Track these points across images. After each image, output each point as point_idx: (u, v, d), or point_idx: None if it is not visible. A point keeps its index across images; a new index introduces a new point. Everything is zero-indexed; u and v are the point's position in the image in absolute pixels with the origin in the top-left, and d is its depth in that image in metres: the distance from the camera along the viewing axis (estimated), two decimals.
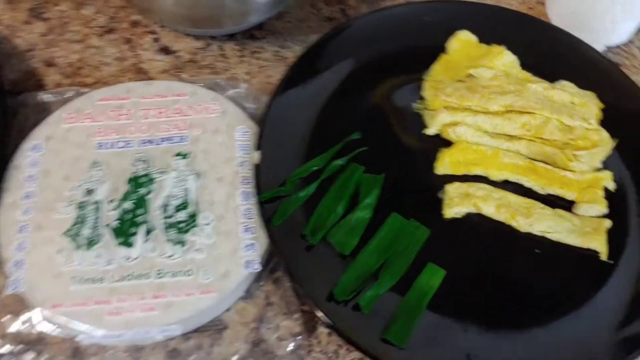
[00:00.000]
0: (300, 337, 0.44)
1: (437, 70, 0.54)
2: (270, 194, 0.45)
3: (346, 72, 0.53)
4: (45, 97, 0.51)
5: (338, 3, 0.61)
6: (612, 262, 0.46)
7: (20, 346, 0.41)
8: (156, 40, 0.57)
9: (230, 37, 0.57)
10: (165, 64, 0.56)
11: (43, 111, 0.51)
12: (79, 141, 0.48)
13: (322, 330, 0.44)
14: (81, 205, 0.45)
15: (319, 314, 0.41)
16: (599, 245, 0.47)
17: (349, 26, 0.56)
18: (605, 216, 0.48)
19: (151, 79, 0.54)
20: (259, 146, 0.47)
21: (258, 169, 0.46)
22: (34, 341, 0.42)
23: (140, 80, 0.54)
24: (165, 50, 0.57)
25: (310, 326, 0.44)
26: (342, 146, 0.49)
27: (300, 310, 0.45)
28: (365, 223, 0.46)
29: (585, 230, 0.47)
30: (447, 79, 0.53)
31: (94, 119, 0.49)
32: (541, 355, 0.42)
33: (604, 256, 0.46)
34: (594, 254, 0.47)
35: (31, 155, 0.47)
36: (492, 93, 0.51)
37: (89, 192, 0.45)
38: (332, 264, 0.44)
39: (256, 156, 0.47)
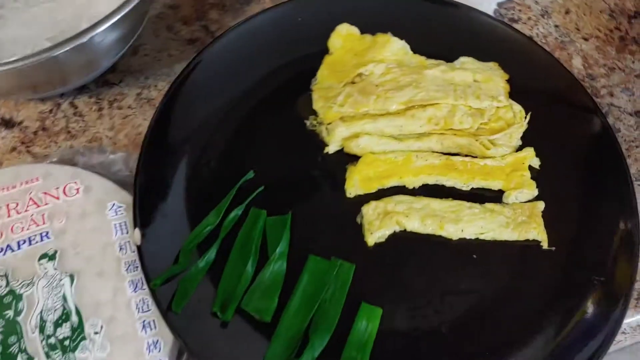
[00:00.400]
0: None
1: (324, 75, 0.48)
2: (163, 278, 0.38)
3: (223, 102, 0.46)
4: None
5: (197, 20, 0.54)
6: (553, 248, 0.43)
7: None
8: None
9: (81, 89, 0.49)
10: (10, 140, 0.47)
11: None
12: None
13: None
14: None
15: None
16: (537, 233, 0.42)
17: (215, 46, 0.48)
18: (536, 198, 0.44)
19: None
20: (137, 221, 0.40)
21: (141, 249, 0.39)
22: None
23: None
24: (7, 123, 0.48)
25: None
26: (236, 192, 0.43)
27: None
28: (282, 277, 0.40)
29: (519, 220, 0.43)
30: (336, 83, 0.47)
31: None
32: None
33: (545, 244, 0.42)
34: (534, 244, 0.43)
35: None
36: (388, 91, 0.45)
37: None
38: (255, 337, 0.38)
39: (137, 235, 0.40)
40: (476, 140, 0.44)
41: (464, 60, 0.48)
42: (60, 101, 0.49)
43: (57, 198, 0.42)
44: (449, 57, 0.48)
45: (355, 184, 0.44)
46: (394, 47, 0.48)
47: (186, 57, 0.50)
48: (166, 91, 0.45)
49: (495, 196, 0.44)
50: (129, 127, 0.48)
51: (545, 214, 0.43)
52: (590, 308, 0.40)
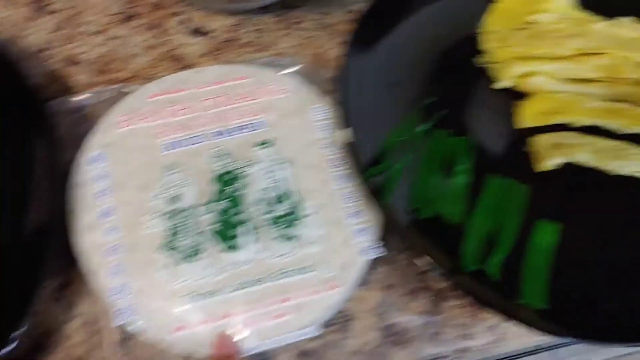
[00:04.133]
0: (429, 315, 0.44)
1: (493, 20, 0.55)
2: (374, 171, 0.44)
3: (407, 32, 0.53)
4: (81, 100, 0.48)
5: None
6: None
7: None
8: (184, 22, 0.54)
9: (264, 9, 0.55)
10: (201, 47, 0.53)
11: (84, 117, 0.47)
12: (143, 145, 0.45)
13: (450, 304, 0.45)
14: (170, 215, 0.42)
15: (460, 287, 0.42)
16: None
17: None
18: None
19: (191, 65, 0.52)
20: (343, 123, 0.46)
21: (349, 147, 0.45)
22: None
23: (179, 69, 0.51)
24: (198, 32, 0.53)
25: (436, 302, 0.45)
26: (419, 111, 0.49)
27: (422, 288, 0.45)
28: (466, 189, 0.47)
29: None
30: (505, 29, 0.54)
31: (152, 118, 0.46)
32: None
33: None
34: None
35: (92, 168, 0.44)
36: (560, 37, 0.52)
37: (174, 199, 0.43)
38: (445, 235, 0.44)
39: (344, 134, 0.45)
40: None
41: (624, 20, 0.55)
42: (245, 17, 0.54)
43: (267, 95, 0.48)
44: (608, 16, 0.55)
45: (526, 116, 0.50)
46: (559, 2, 0.55)
47: None
48: (361, 16, 0.51)
49: None
50: (311, 47, 0.54)
51: None
52: None
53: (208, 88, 0.47)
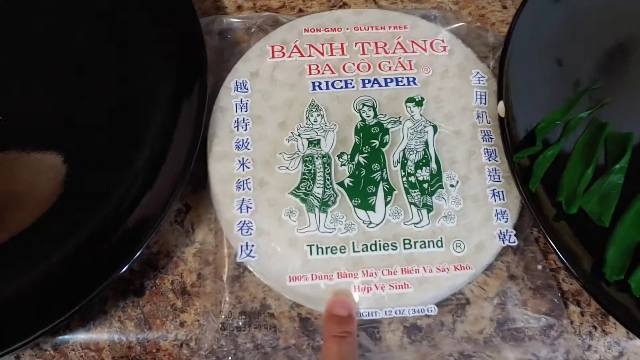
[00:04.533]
0: (550, 316, 0.41)
1: None
2: (524, 153, 0.41)
3: (586, 6, 0.47)
4: (229, 23, 0.46)
5: None
6: None
7: (246, 319, 0.39)
8: None
9: None
10: None
11: (231, 41, 0.45)
12: (289, 80, 0.43)
13: (574, 309, 0.41)
14: (307, 159, 0.40)
15: (593, 294, 0.38)
16: None
17: None
18: None
19: (344, 5, 0.49)
20: (500, 95, 0.42)
21: (504, 123, 0.42)
22: (259, 314, 0.39)
23: (331, 7, 0.48)
24: None
25: (561, 304, 0.41)
26: (581, 96, 0.45)
27: (548, 287, 0.42)
28: (619, 190, 0.42)
29: None
30: None
31: (303, 53, 0.44)
32: None
33: None
34: None
35: (235, 95, 0.42)
36: None
37: (313, 142, 0.41)
38: (588, 235, 0.41)
39: (501, 107, 0.42)
40: None
41: None
42: None
43: (424, 50, 0.44)
44: None
45: None
46: None
47: None
48: None
49: None
50: (473, 7, 0.49)
51: None
52: None
53: (365, 32, 0.45)
